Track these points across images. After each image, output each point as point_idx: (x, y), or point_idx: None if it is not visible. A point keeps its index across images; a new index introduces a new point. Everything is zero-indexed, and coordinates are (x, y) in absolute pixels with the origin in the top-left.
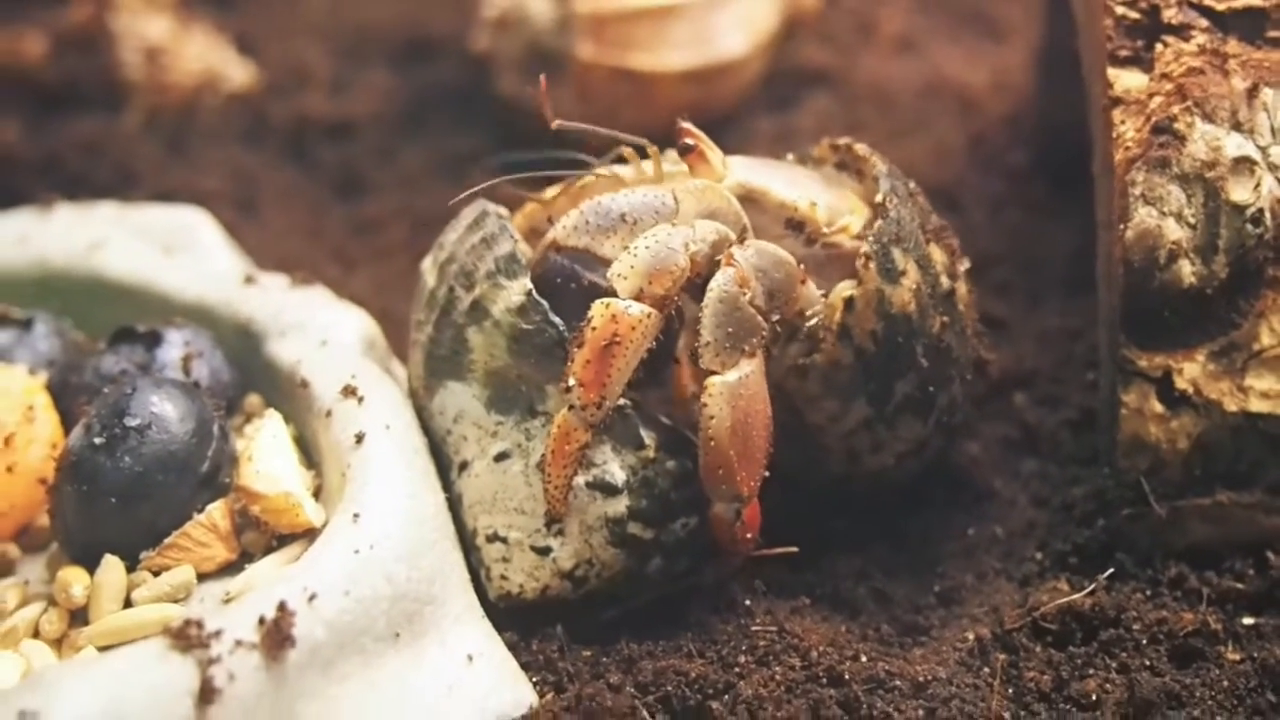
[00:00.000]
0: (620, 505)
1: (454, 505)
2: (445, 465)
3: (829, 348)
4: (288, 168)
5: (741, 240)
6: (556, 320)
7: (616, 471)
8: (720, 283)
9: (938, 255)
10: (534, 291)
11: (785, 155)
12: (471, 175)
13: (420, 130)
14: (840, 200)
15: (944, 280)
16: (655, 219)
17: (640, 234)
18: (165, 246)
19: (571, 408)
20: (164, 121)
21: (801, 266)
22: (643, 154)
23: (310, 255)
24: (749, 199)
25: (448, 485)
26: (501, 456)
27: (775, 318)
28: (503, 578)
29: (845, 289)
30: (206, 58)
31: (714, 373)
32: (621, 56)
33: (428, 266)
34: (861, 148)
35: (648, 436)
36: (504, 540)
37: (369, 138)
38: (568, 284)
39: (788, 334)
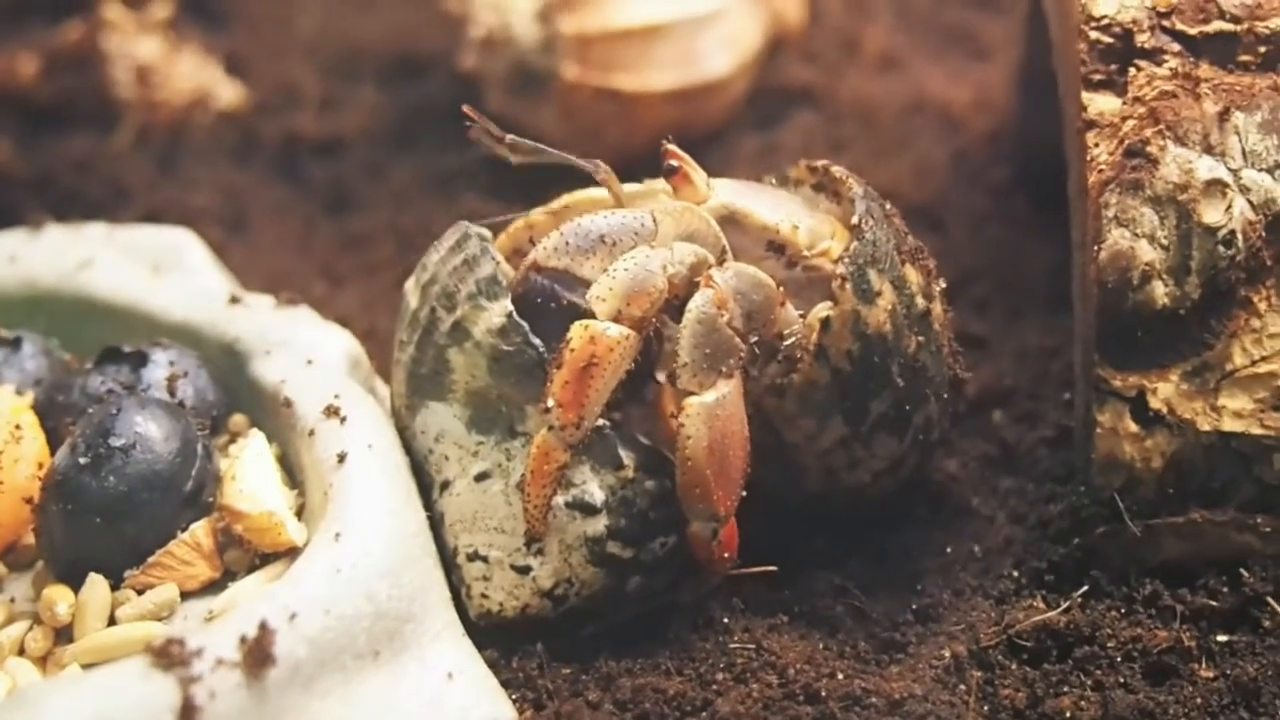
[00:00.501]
0: (599, 525)
1: (436, 524)
2: (427, 484)
3: (806, 368)
4: (277, 185)
5: (721, 262)
6: (536, 342)
7: (595, 491)
8: (698, 304)
9: (913, 276)
10: (514, 314)
11: (765, 176)
12: (460, 193)
13: (409, 148)
14: (822, 224)
15: (919, 301)
16: (634, 240)
17: (619, 255)
18: (153, 266)
19: (550, 428)
20: (155, 140)
21: (781, 289)
22: (594, 181)
23: (299, 272)
24: (731, 220)
25: (430, 504)
26: (482, 476)
27: (754, 339)
28: (483, 596)
29: (822, 310)
30: (197, 77)
31: (692, 393)
32: (606, 77)
33: (411, 287)
34: (838, 170)
35: (626, 456)
36: (484, 559)
37: (358, 155)
38: (548, 304)
39: (767, 354)
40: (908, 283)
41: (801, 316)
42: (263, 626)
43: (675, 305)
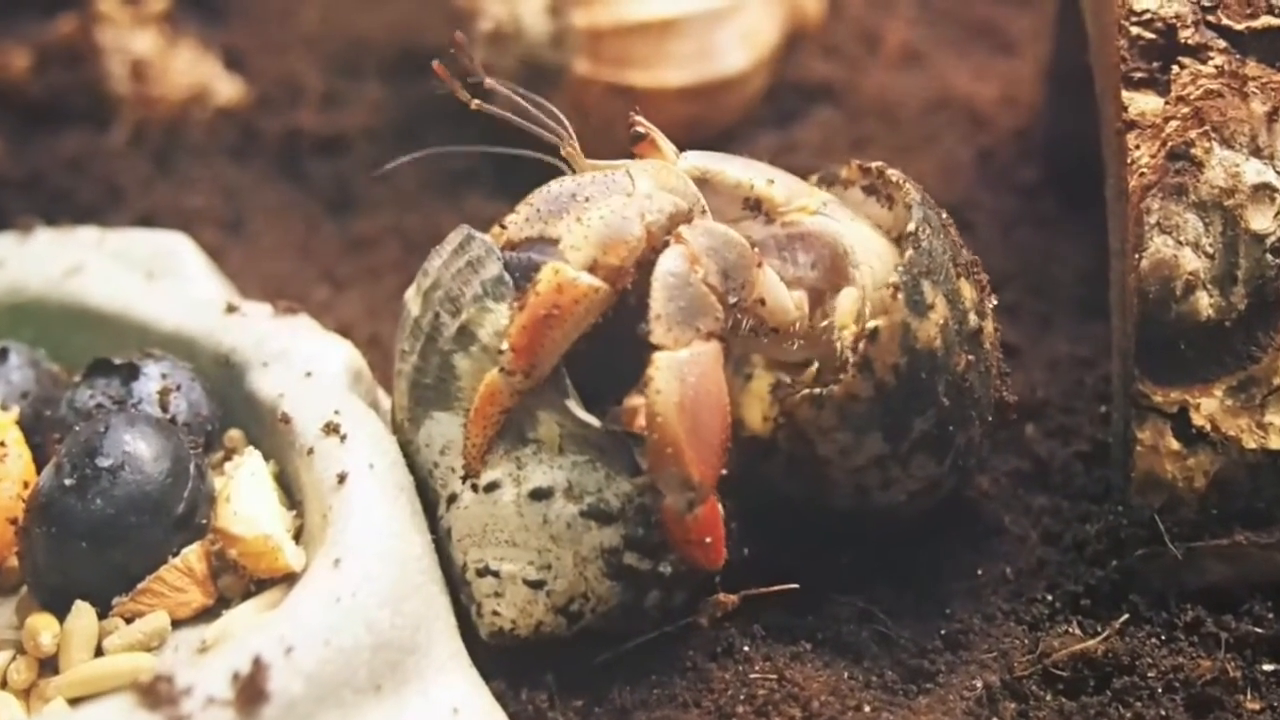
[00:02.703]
0: (615, 534)
1: (442, 540)
2: (432, 501)
3: (848, 379)
4: (278, 184)
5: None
6: None
7: (610, 499)
8: (668, 257)
9: (967, 291)
10: None
11: (810, 176)
12: (466, 194)
13: (414, 145)
14: (798, 183)
15: (972, 318)
16: (607, 194)
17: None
18: (147, 272)
19: (502, 371)
20: (151, 137)
21: (756, 250)
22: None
23: (299, 275)
24: (704, 181)
25: (435, 521)
26: (492, 487)
27: (733, 300)
28: (494, 614)
29: (848, 302)
30: (194, 71)
31: (664, 348)
32: (619, 73)
33: (412, 296)
34: (894, 173)
35: (642, 461)
36: (495, 574)
37: (361, 153)
38: (527, 276)
39: (805, 363)
40: (961, 298)
41: (792, 286)
42: (256, 661)
43: (651, 260)
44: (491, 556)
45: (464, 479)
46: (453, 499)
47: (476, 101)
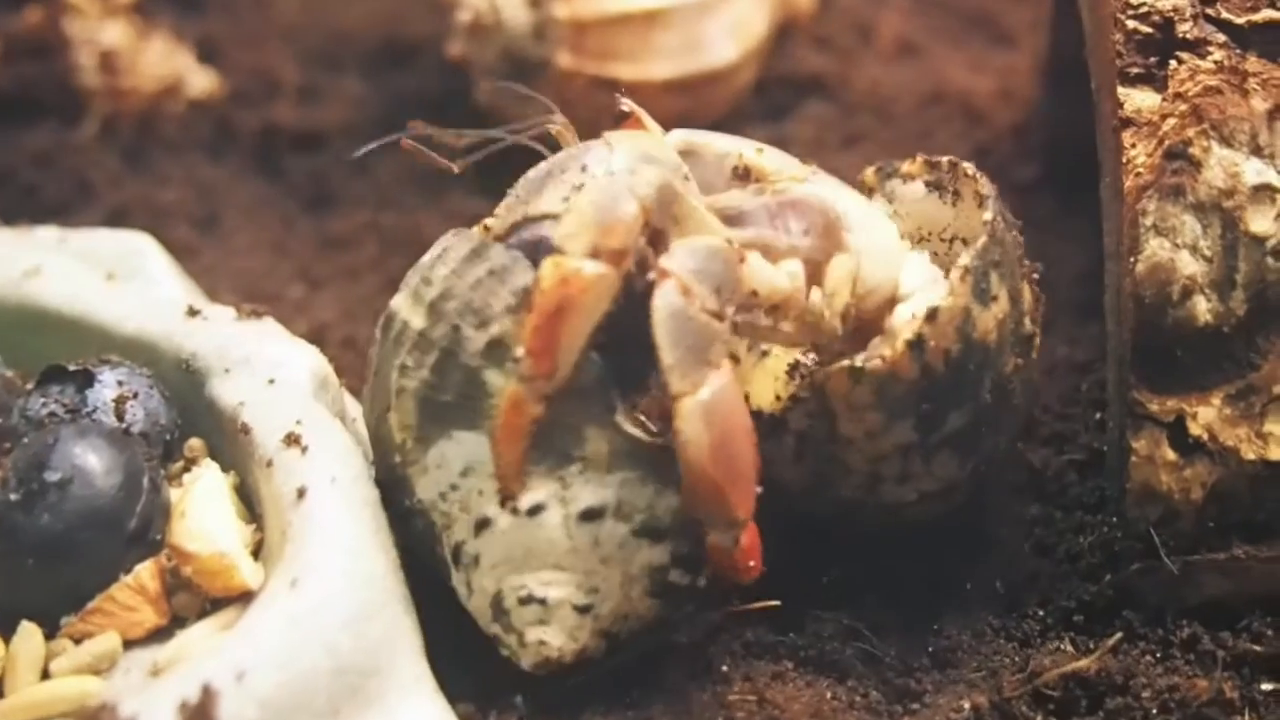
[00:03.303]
0: (664, 551)
1: (464, 568)
2: (441, 526)
3: (895, 355)
4: (252, 180)
5: (672, 196)
6: (594, 356)
7: (662, 514)
8: (661, 300)
9: (1028, 294)
10: None
11: (867, 169)
12: (447, 191)
13: (394, 142)
14: (787, 157)
15: (1027, 322)
16: (584, 162)
17: (572, 182)
18: (109, 273)
19: (521, 379)
20: (121, 131)
21: (739, 246)
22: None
23: (274, 274)
24: (691, 153)
25: (436, 549)
26: (536, 510)
27: (730, 310)
28: (541, 643)
29: (839, 269)
30: (167, 63)
31: (686, 394)
32: (603, 65)
33: (406, 306)
34: (969, 166)
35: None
36: (542, 601)
37: (340, 149)
38: (532, 258)
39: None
40: (1023, 298)
41: (787, 256)
42: (206, 689)
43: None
44: (535, 583)
45: (502, 502)
46: (484, 524)
47: (460, 165)
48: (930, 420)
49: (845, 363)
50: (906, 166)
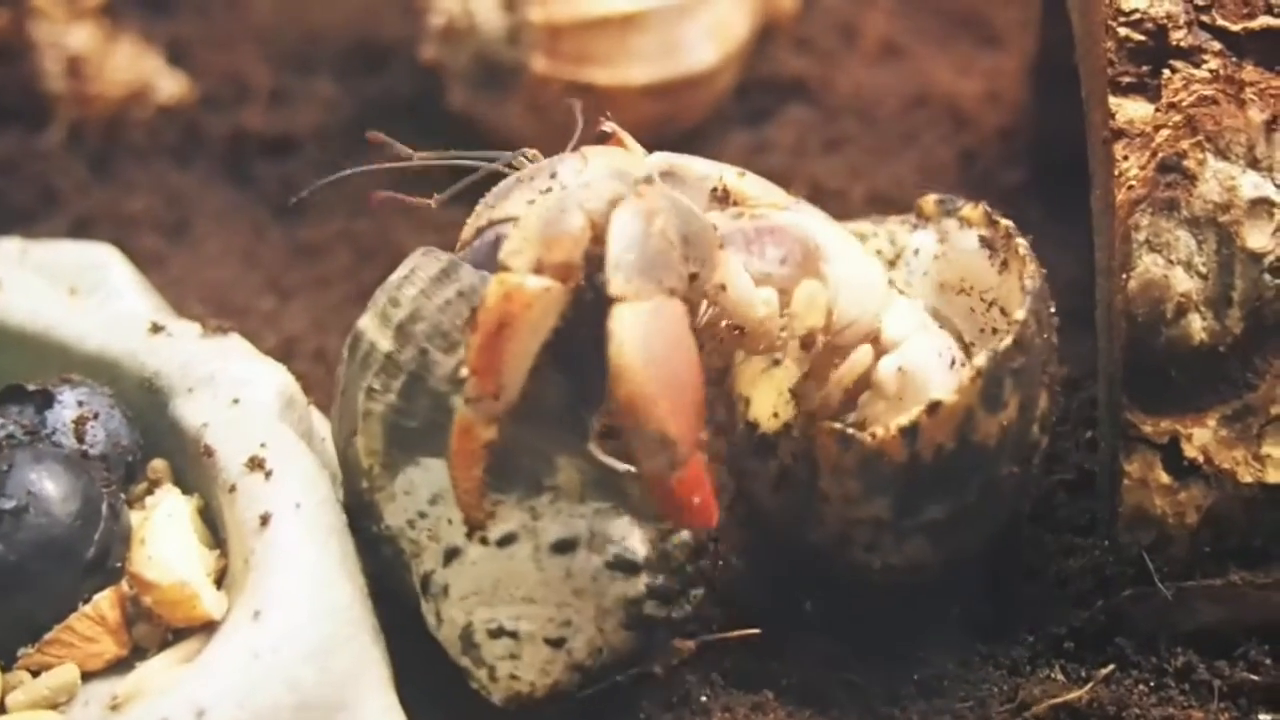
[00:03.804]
0: (639, 584)
1: (435, 597)
2: (408, 554)
3: (885, 436)
4: (222, 187)
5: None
6: (562, 380)
7: (637, 546)
8: (624, 209)
9: (1043, 402)
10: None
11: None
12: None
13: (368, 147)
14: (770, 185)
15: (1034, 430)
16: (555, 173)
17: (539, 187)
18: (72, 287)
19: (468, 400)
20: (88, 138)
21: (720, 235)
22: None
23: (244, 284)
24: (671, 174)
25: (405, 576)
26: (506, 540)
27: (694, 270)
28: (512, 677)
29: (805, 293)
30: (135, 68)
31: (626, 298)
32: (578, 70)
33: (373, 326)
34: (1023, 245)
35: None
36: (513, 635)
37: (311, 154)
38: (492, 260)
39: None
40: (1035, 407)
41: (761, 284)
42: None
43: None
44: (506, 615)
45: (469, 533)
46: (453, 554)
47: (438, 198)
48: (907, 505)
49: (836, 425)
50: (967, 210)
